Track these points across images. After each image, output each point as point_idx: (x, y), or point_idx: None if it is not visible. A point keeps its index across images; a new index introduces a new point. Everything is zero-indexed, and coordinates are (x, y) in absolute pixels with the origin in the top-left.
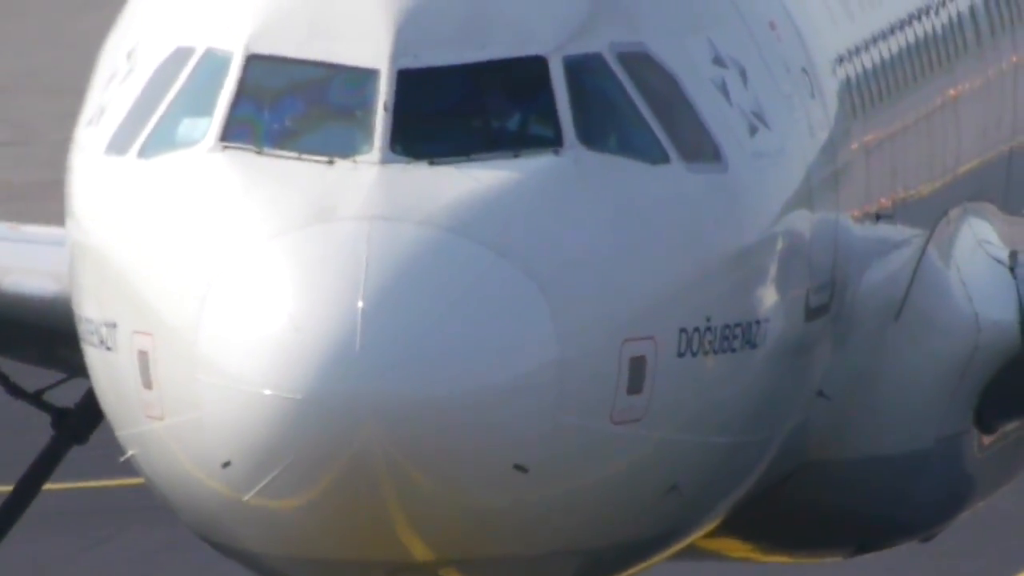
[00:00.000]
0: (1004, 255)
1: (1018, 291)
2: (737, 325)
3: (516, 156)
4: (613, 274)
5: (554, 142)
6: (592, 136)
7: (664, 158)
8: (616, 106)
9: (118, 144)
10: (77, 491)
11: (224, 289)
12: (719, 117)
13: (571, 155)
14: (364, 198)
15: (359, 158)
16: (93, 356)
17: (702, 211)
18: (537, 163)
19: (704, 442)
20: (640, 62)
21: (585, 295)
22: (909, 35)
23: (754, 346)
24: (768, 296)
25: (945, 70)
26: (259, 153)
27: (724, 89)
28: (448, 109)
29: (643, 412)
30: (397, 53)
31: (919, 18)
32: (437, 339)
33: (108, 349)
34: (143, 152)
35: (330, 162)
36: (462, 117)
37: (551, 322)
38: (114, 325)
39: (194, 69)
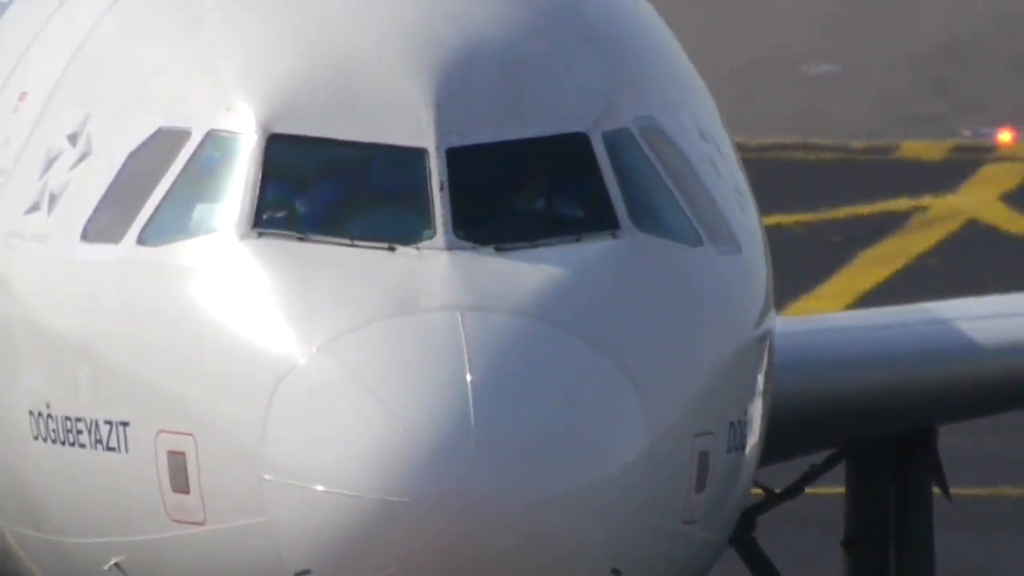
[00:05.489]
0: None
1: None
2: (752, 420)
3: (578, 240)
4: (686, 366)
5: (609, 224)
6: (638, 217)
7: (698, 240)
8: (649, 184)
9: (101, 231)
10: None
11: (300, 384)
12: (723, 196)
13: (628, 238)
14: (444, 287)
15: (422, 244)
16: (71, 458)
17: (735, 297)
18: (600, 248)
19: (719, 541)
20: (656, 137)
21: (667, 389)
22: None
23: (757, 439)
24: (767, 388)
25: None
26: (302, 240)
27: (715, 166)
28: (498, 189)
29: (700, 512)
30: (443, 131)
31: None
32: (547, 436)
33: (111, 449)
34: (144, 240)
35: (391, 248)
36: (515, 198)
37: (643, 418)
38: (126, 424)
39: (196, 152)
